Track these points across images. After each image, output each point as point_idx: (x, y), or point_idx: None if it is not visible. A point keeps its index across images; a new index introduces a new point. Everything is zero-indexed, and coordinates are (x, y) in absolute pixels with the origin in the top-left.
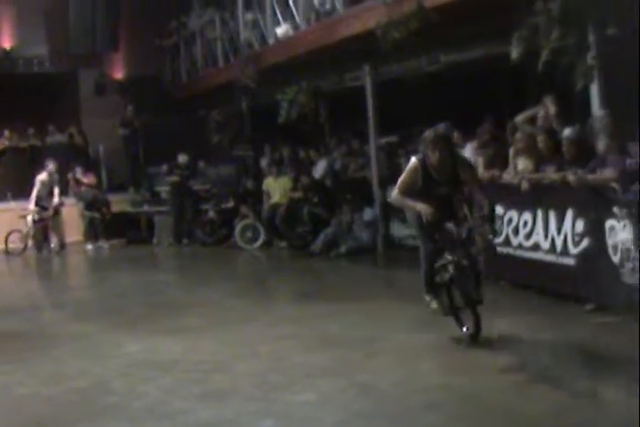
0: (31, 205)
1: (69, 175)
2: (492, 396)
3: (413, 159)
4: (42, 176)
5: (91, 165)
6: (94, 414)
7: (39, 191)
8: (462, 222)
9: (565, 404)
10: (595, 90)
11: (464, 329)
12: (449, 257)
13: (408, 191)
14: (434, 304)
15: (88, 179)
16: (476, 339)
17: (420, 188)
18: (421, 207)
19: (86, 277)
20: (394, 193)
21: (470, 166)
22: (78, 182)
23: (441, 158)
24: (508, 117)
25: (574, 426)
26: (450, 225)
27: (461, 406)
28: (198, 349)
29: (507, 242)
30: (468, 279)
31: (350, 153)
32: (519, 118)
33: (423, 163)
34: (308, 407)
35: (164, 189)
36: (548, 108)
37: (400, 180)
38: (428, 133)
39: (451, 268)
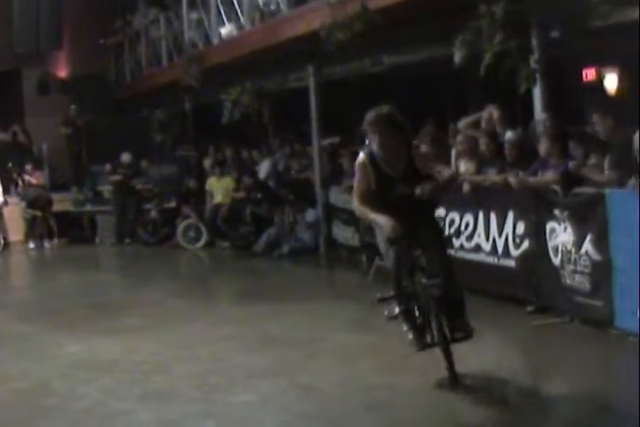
0: None
1: (14, 174)
2: (433, 396)
3: (360, 155)
4: None
5: (35, 164)
6: (34, 416)
7: None
8: (432, 235)
9: (506, 404)
10: (537, 93)
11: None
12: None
13: (368, 198)
14: (410, 335)
15: (36, 179)
16: (453, 382)
17: (376, 189)
18: (381, 220)
19: (28, 277)
20: (354, 204)
21: (423, 155)
22: (29, 184)
23: (382, 143)
24: (450, 120)
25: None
26: (407, 245)
27: (402, 407)
28: (139, 349)
29: (448, 244)
30: (441, 311)
31: (293, 154)
32: (462, 123)
33: (371, 156)
34: (249, 408)
35: (106, 189)
36: (491, 112)
37: (354, 186)
38: (369, 115)
39: (403, 300)
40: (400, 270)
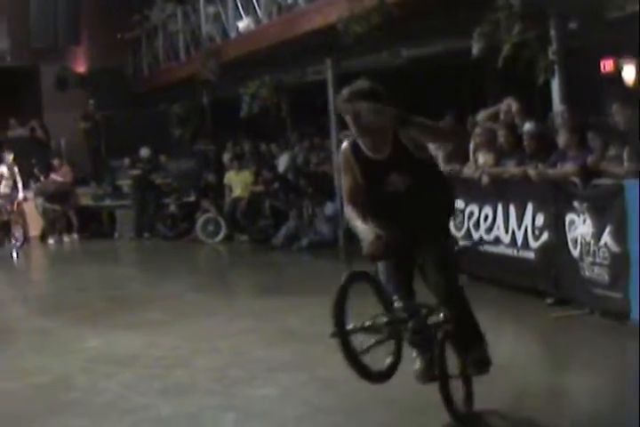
0: None
1: (36, 170)
2: None
3: (343, 144)
4: (1, 168)
5: (61, 159)
6: (55, 411)
7: None
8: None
9: (524, 396)
10: (555, 84)
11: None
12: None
13: (355, 197)
14: (417, 363)
15: (63, 175)
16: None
17: (365, 183)
18: (361, 231)
19: (47, 272)
20: (345, 205)
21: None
22: (53, 181)
23: (360, 125)
24: (469, 112)
25: (534, 421)
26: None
27: (420, 401)
28: (159, 344)
29: (468, 236)
30: (440, 344)
31: (312, 147)
32: (481, 116)
33: (354, 144)
34: (269, 402)
35: (125, 183)
36: (509, 104)
37: (343, 184)
38: (342, 93)
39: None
40: (341, 303)
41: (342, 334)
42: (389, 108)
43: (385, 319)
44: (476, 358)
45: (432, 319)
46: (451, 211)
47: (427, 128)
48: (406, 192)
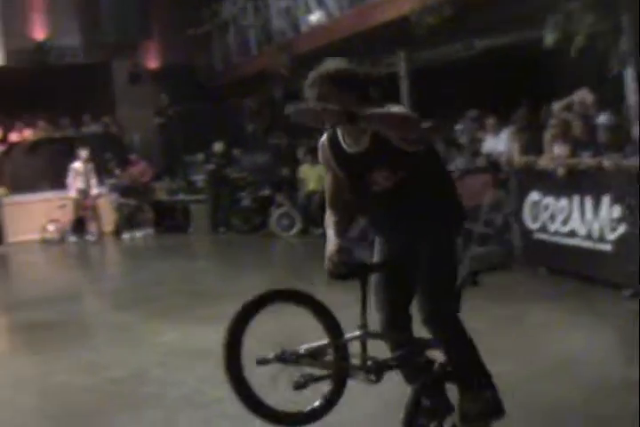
0: (71, 193)
1: (111, 165)
2: (520, 382)
3: (323, 136)
4: (76, 165)
5: (130, 154)
6: (131, 404)
7: (75, 180)
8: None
9: (599, 390)
10: (629, 75)
11: None
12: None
13: (337, 201)
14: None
15: (143, 174)
16: None
17: (349, 183)
18: (328, 240)
19: (123, 266)
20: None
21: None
22: (131, 177)
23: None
24: (543, 102)
25: (605, 416)
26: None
27: None
28: None
29: (544, 228)
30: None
31: None
32: (556, 106)
33: (333, 136)
34: (348, 395)
35: (199, 178)
36: (584, 96)
37: (325, 184)
38: (309, 75)
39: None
40: (236, 330)
41: (233, 367)
42: (332, 107)
43: (302, 351)
44: (470, 410)
45: (426, 356)
46: (451, 209)
47: (385, 122)
48: (394, 190)
